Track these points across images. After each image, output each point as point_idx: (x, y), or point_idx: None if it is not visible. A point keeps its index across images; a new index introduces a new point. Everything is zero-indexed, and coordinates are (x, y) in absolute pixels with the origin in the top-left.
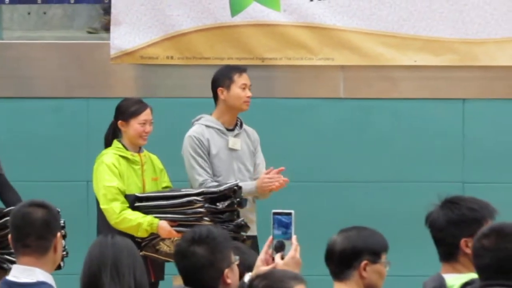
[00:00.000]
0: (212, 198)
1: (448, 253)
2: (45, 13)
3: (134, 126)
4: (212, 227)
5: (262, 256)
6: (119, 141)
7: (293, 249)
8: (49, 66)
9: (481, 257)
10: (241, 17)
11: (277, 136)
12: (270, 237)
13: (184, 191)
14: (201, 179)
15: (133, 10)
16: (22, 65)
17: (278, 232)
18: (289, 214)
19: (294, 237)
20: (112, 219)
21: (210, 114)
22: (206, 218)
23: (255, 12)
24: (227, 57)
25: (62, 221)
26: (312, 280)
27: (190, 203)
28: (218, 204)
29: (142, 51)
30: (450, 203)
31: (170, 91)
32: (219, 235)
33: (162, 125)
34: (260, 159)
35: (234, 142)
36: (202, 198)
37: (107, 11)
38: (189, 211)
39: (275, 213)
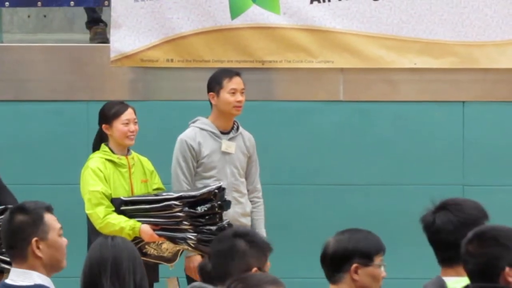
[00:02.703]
0: (190, 202)
1: (448, 256)
2: (45, 16)
3: (118, 127)
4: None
5: None
6: (106, 145)
7: None
8: (49, 69)
9: (467, 262)
10: (241, 20)
11: (277, 139)
12: None
13: (165, 195)
14: (178, 185)
15: (133, 13)
16: (22, 68)
17: None
18: None
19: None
20: (97, 224)
21: (207, 117)
22: (185, 222)
23: (255, 15)
24: (227, 60)
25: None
26: (311, 283)
27: (168, 207)
28: (198, 208)
29: (142, 54)
30: (445, 206)
31: (170, 94)
32: (259, 236)
33: (162, 127)
34: (255, 168)
35: (228, 145)
36: (180, 202)
37: (96, 20)
38: (168, 215)
39: None
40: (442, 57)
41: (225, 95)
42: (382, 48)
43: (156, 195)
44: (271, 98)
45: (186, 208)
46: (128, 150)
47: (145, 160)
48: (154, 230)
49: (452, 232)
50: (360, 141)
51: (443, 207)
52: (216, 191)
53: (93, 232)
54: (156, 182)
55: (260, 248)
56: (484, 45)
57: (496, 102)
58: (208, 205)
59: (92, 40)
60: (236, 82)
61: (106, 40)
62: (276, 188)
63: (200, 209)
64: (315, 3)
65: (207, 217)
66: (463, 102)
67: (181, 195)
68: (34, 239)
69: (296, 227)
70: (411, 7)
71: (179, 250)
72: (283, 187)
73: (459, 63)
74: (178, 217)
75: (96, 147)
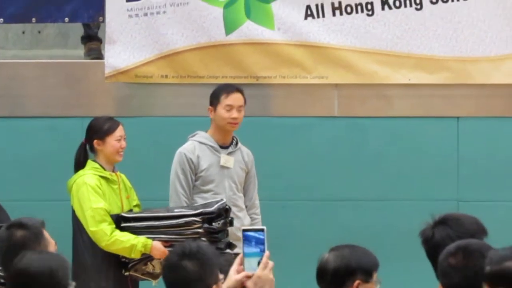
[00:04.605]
0: (209, 218)
1: None
2: (39, 32)
3: (111, 143)
4: (201, 242)
5: (234, 267)
6: (94, 161)
7: (260, 268)
8: (44, 85)
9: (449, 276)
10: (236, 35)
11: (271, 155)
12: (241, 255)
13: (178, 212)
14: (176, 198)
15: (128, 29)
16: (17, 84)
17: (250, 249)
18: (262, 230)
19: (265, 255)
20: (103, 241)
21: (206, 131)
22: (203, 239)
23: (249, 31)
24: (221, 76)
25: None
26: None
27: (188, 223)
28: (214, 224)
29: (136, 69)
30: (444, 221)
31: (164, 110)
32: (209, 251)
33: (157, 143)
34: (253, 183)
35: (227, 159)
36: (200, 218)
37: (91, 37)
38: (188, 231)
39: (245, 230)
40: (437, 72)
41: (221, 110)
42: (377, 63)
43: (167, 210)
44: (266, 113)
45: (206, 225)
46: (114, 167)
47: (124, 176)
48: (164, 246)
49: (434, 247)
50: (355, 157)
51: (442, 221)
52: (227, 207)
53: (86, 249)
54: (135, 198)
55: (210, 265)
56: (478, 60)
57: (490, 118)
58: (221, 221)
59: (86, 56)
60: (233, 99)
61: (100, 56)
62: (271, 204)
63: (216, 225)
64: (310, 18)
65: (220, 232)
66: (458, 117)
67: (201, 211)
68: None
69: (291, 242)
70: (405, 23)
71: None
72: (277, 203)
73: (454, 79)
74: (198, 233)
75: (80, 162)
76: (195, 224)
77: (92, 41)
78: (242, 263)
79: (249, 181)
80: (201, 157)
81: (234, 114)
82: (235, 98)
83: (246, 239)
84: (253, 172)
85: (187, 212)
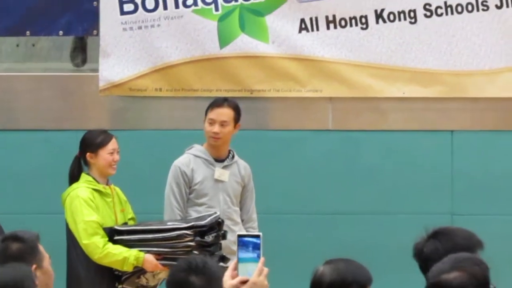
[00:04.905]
0: (201, 231)
1: None
2: (33, 45)
3: (103, 156)
4: (205, 257)
5: (229, 272)
6: (88, 174)
7: (256, 274)
8: (38, 98)
9: None
10: (230, 48)
11: (265, 168)
12: (235, 260)
13: (171, 225)
14: (170, 211)
15: (122, 42)
16: (11, 97)
17: (245, 255)
18: (258, 236)
19: (261, 261)
20: (95, 254)
21: (202, 144)
22: (195, 252)
23: (243, 44)
24: (215, 89)
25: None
26: None
27: (179, 237)
28: (205, 237)
29: (130, 83)
30: (438, 234)
31: (159, 123)
32: (214, 265)
33: (151, 157)
34: (251, 197)
35: (221, 173)
36: (192, 231)
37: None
38: (180, 244)
39: (241, 236)
40: (431, 86)
41: (205, 124)
42: (371, 77)
43: (160, 223)
44: (260, 127)
45: (198, 238)
46: (108, 180)
47: (119, 189)
48: (157, 259)
49: (427, 261)
50: (349, 170)
51: (433, 235)
52: (220, 220)
53: (80, 262)
54: (130, 211)
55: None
56: (472, 74)
57: (484, 131)
58: (214, 234)
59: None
60: (216, 113)
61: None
62: (265, 217)
63: (208, 238)
64: (304, 32)
65: (213, 246)
66: (452, 131)
67: (193, 225)
68: (34, 266)
69: (285, 255)
70: (399, 36)
71: (162, 279)
72: (272, 216)
73: (448, 92)
74: (189, 246)
75: (74, 175)
76: (187, 237)
77: (81, 52)
78: (236, 268)
79: (245, 194)
80: (195, 170)
81: (215, 128)
82: (218, 113)
83: (242, 245)
84: (251, 186)
85: (179, 225)
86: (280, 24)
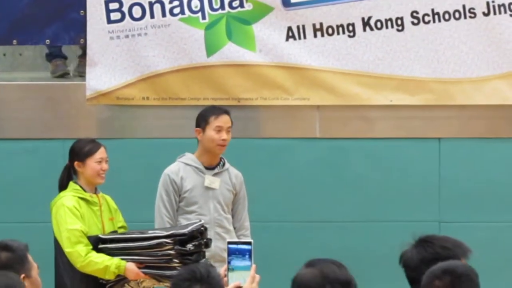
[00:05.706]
0: (181, 240)
1: None
2: (21, 54)
3: (91, 165)
4: (208, 265)
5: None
6: (76, 183)
7: (248, 281)
8: (25, 107)
9: None
10: (217, 57)
11: (253, 176)
12: (225, 266)
13: (151, 233)
14: (160, 219)
15: (109, 51)
16: None
17: (236, 262)
18: (249, 243)
19: (252, 268)
20: (78, 262)
21: (194, 153)
22: (175, 260)
23: (230, 53)
24: (203, 98)
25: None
26: None
27: (159, 245)
28: (186, 246)
29: (118, 92)
30: (424, 242)
31: (146, 132)
32: (216, 274)
33: (139, 166)
34: (243, 205)
35: (212, 181)
36: (171, 240)
37: (56, 55)
38: (159, 253)
39: (231, 243)
40: (418, 93)
41: (210, 132)
42: (358, 85)
43: (141, 232)
44: (247, 135)
45: (177, 246)
46: (96, 189)
47: (109, 198)
48: (139, 268)
49: (414, 269)
50: (336, 178)
51: (420, 243)
52: (202, 228)
53: (66, 270)
54: (120, 220)
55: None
56: (460, 81)
57: (472, 139)
58: (195, 243)
59: (53, 73)
60: (223, 121)
61: (67, 72)
62: (253, 225)
63: (189, 247)
64: (291, 40)
65: (195, 254)
66: (439, 138)
67: (172, 233)
68: (22, 275)
69: (273, 263)
70: (386, 44)
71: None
72: (259, 224)
73: (435, 100)
74: (169, 255)
75: (63, 184)
76: (166, 245)
77: (57, 58)
78: (225, 275)
79: (237, 202)
80: (184, 178)
81: (224, 135)
82: (225, 120)
83: (232, 252)
84: (243, 194)
85: (159, 234)
86: (267, 32)
